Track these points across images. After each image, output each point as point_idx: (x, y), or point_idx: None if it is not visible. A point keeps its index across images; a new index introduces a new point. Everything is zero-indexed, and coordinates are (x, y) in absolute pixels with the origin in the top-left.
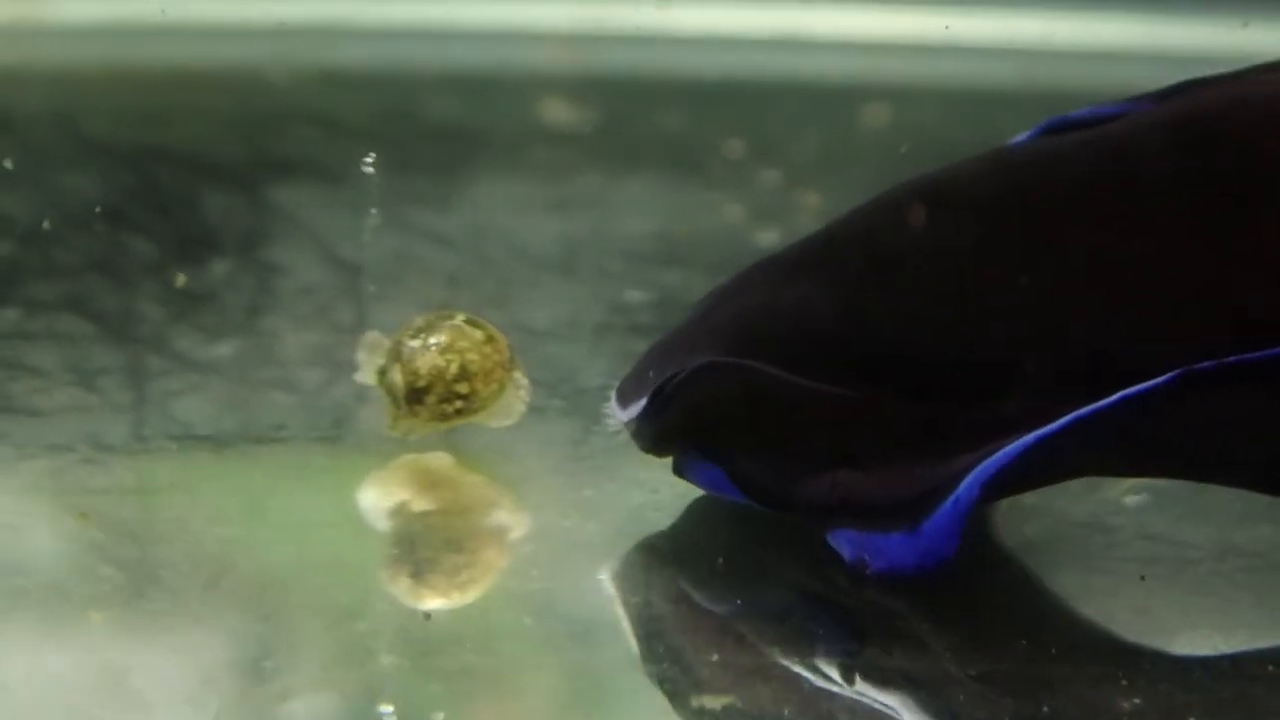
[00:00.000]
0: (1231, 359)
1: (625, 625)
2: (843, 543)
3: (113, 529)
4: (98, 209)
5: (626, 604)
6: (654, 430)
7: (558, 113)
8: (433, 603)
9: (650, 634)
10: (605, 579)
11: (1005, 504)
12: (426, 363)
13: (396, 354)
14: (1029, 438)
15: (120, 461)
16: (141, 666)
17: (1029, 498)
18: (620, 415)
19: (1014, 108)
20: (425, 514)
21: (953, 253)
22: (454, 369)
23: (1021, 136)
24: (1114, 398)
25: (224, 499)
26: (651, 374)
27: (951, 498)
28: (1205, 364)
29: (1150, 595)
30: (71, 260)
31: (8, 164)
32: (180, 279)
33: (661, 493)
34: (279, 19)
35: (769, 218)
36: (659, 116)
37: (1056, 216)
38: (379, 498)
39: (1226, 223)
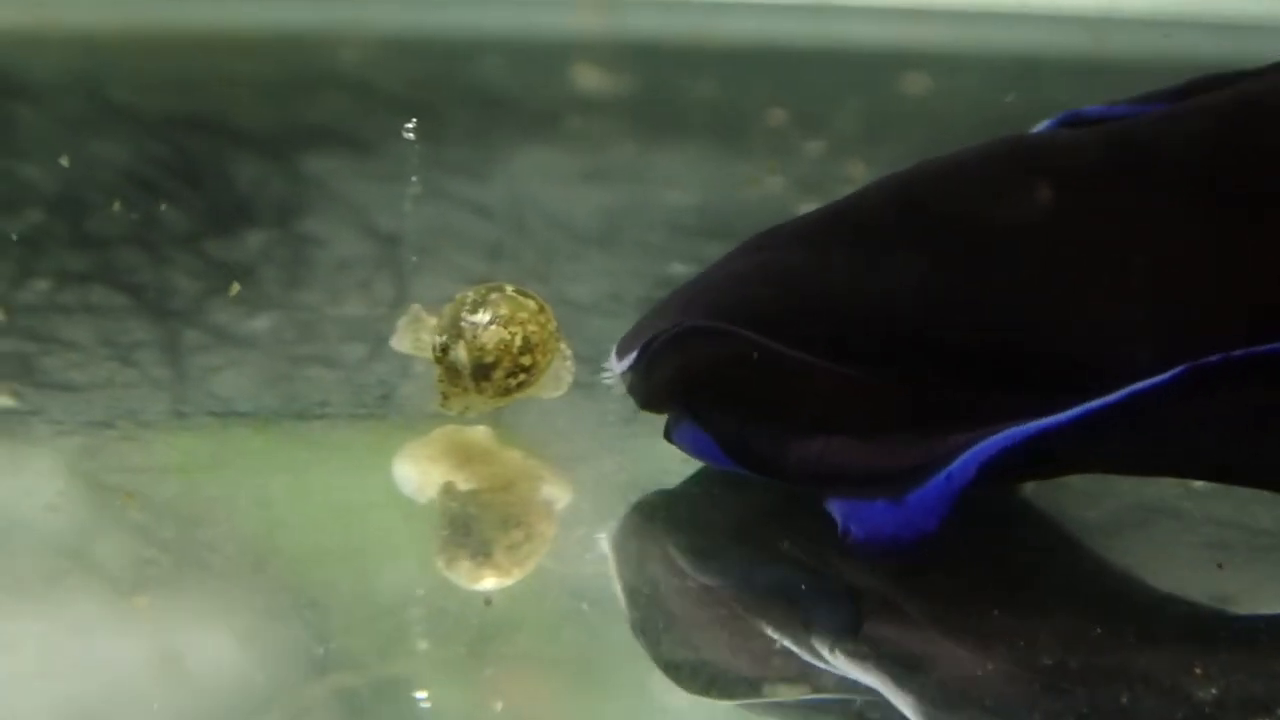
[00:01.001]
0: (1238, 353)
1: (674, 602)
2: (835, 510)
3: (154, 509)
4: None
5: (682, 588)
6: (645, 388)
7: (591, 79)
8: (488, 583)
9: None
10: (647, 553)
11: (1062, 488)
12: (492, 337)
13: (457, 331)
14: (1033, 425)
15: (160, 439)
16: (190, 652)
17: (1087, 482)
18: (616, 367)
19: (1061, 76)
20: (472, 492)
21: (958, 236)
22: (518, 341)
23: (1038, 128)
24: (1122, 393)
25: (267, 478)
26: (648, 329)
27: (944, 473)
28: (1212, 358)
29: (1225, 582)
30: (102, 231)
31: (64, 162)
32: (234, 288)
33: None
34: None
35: (812, 190)
36: (694, 83)
37: (1066, 204)
38: (421, 474)
39: (1241, 219)
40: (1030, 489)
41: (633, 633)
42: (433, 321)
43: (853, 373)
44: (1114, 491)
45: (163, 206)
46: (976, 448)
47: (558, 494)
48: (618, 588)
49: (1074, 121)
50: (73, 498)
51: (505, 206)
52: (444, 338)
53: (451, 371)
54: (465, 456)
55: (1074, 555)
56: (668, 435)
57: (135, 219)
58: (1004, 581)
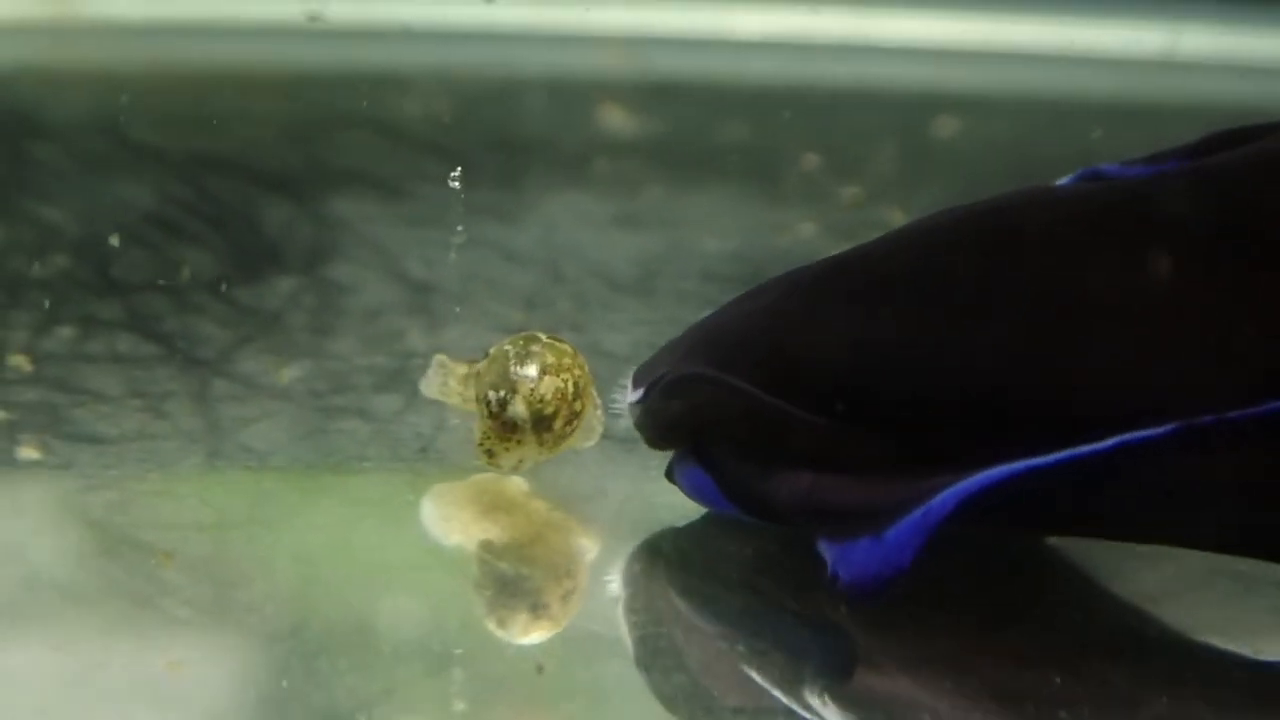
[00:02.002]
0: (1233, 414)
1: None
2: (825, 552)
3: (189, 568)
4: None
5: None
6: (650, 426)
7: (618, 121)
8: (538, 635)
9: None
10: (690, 606)
11: (1114, 552)
12: (548, 387)
13: (510, 385)
14: (1017, 465)
15: (193, 494)
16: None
17: (1147, 548)
18: (630, 397)
19: (1096, 119)
20: (510, 546)
21: (951, 289)
22: (570, 388)
23: (1060, 182)
24: (1110, 441)
25: (305, 535)
26: (660, 365)
27: (923, 508)
28: (1207, 419)
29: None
30: (127, 275)
31: (114, 241)
32: (285, 376)
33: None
34: (328, 19)
35: (846, 235)
36: (723, 126)
37: (1058, 255)
38: (445, 520)
39: (1242, 277)
40: (1082, 552)
41: (640, 670)
42: (461, 369)
43: (835, 424)
44: (1171, 554)
45: (187, 251)
46: (957, 485)
47: (587, 545)
48: (629, 632)
49: (1093, 178)
50: (106, 556)
51: (539, 252)
52: (499, 394)
53: (507, 427)
54: (491, 504)
55: (1139, 620)
56: (669, 475)
57: (160, 263)
58: (1047, 640)
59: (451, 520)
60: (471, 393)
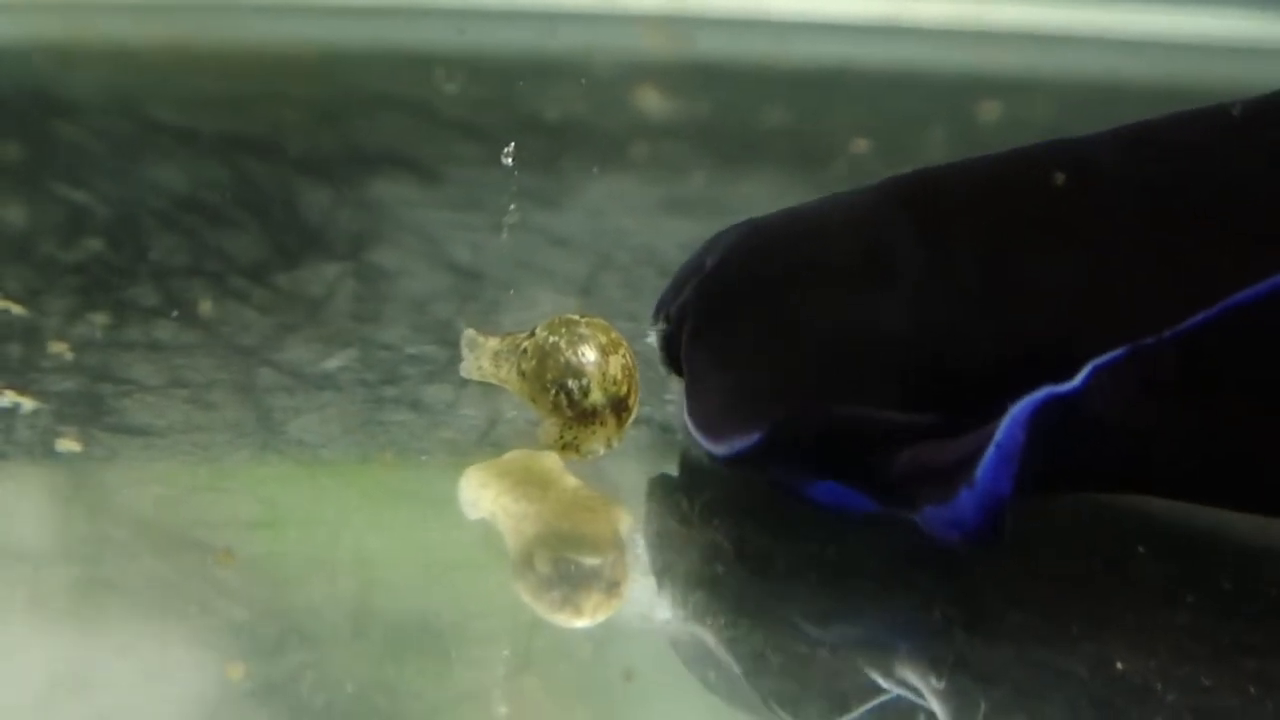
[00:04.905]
0: (1130, 346)
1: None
2: (931, 525)
3: (243, 567)
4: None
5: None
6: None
7: (659, 103)
8: (601, 616)
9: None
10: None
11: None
12: (616, 366)
13: (577, 373)
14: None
15: (245, 489)
16: None
17: None
18: (654, 331)
19: (1139, 102)
20: (551, 527)
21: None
22: (630, 361)
23: None
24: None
25: (365, 535)
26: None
27: (992, 444)
28: (1111, 354)
29: None
30: (163, 260)
31: (174, 315)
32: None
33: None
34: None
35: None
36: (765, 108)
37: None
38: (476, 492)
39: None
40: None
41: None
42: (492, 344)
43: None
44: None
45: (224, 235)
46: (1014, 412)
47: (620, 518)
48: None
49: None
50: (159, 555)
51: (586, 238)
52: (576, 383)
53: (586, 416)
54: (523, 477)
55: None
56: (792, 493)
57: (196, 248)
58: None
59: (482, 493)
60: (503, 370)
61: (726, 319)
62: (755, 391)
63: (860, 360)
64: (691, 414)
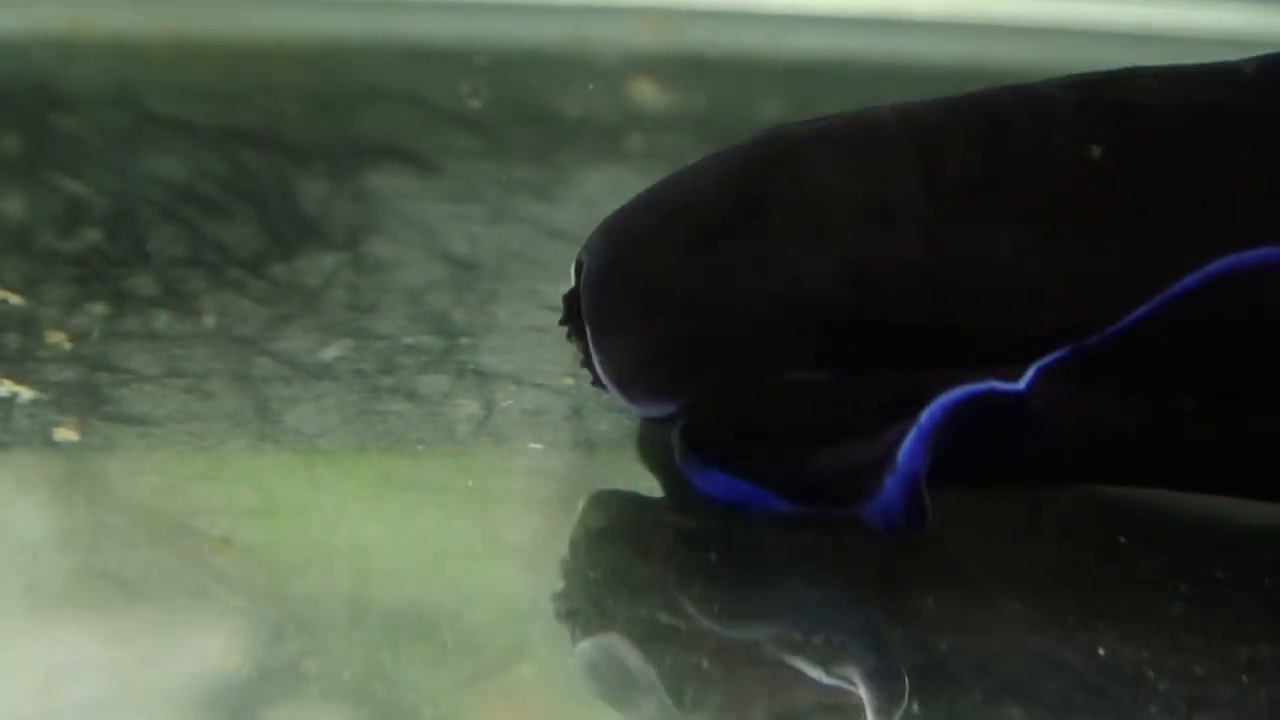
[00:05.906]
0: (1073, 346)
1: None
2: (872, 518)
3: (241, 556)
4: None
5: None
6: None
7: (655, 95)
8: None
9: None
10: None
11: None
12: None
13: None
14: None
15: (243, 478)
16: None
17: None
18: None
19: None
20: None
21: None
22: None
23: None
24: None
25: (362, 524)
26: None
27: (915, 427)
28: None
29: None
30: (161, 251)
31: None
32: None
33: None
34: None
35: None
36: (761, 101)
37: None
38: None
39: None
40: None
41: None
42: None
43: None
44: None
45: (220, 226)
46: (941, 399)
47: None
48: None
49: None
50: (157, 543)
51: (582, 230)
52: None
53: None
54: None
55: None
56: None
57: (193, 238)
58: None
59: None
60: None
61: (628, 269)
62: (669, 355)
63: (784, 319)
64: (604, 368)
